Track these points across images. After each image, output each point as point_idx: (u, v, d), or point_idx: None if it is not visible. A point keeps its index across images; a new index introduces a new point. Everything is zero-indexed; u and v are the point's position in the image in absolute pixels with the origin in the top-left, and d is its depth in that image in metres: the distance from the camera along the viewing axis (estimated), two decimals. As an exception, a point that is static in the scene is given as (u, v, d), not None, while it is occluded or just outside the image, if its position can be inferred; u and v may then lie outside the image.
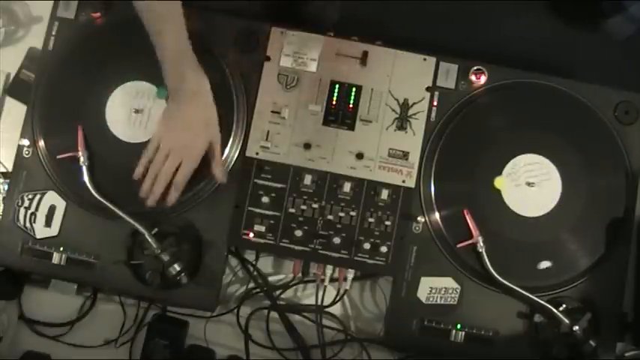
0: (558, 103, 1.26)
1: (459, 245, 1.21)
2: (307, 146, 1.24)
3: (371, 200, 1.23)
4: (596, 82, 1.27)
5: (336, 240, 1.22)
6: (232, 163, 1.24)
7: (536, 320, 1.20)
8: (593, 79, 1.27)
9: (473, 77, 1.26)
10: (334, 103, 1.26)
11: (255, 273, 1.27)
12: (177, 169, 1.17)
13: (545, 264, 1.20)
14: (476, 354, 1.21)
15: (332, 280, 1.24)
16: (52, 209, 1.22)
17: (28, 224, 1.22)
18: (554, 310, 1.18)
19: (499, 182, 1.21)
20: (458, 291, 1.21)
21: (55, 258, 1.22)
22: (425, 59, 1.27)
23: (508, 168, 1.23)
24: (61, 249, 1.22)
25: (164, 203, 1.17)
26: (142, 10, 1.12)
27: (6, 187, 1.25)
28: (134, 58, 1.25)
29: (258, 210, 1.23)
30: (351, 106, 1.26)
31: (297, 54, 1.26)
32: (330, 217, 1.23)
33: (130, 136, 1.23)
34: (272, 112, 1.25)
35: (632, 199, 1.25)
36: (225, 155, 1.23)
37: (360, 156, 1.24)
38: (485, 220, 1.21)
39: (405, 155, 1.25)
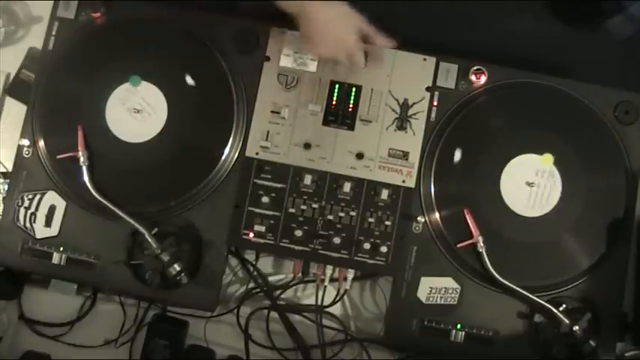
0: (558, 103, 1.26)
1: (459, 245, 1.21)
2: (307, 146, 1.24)
3: (371, 200, 1.23)
4: (596, 82, 1.27)
5: (336, 240, 1.22)
6: (232, 163, 1.24)
7: (536, 320, 1.20)
8: (593, 79, 1.27)
9: (473, 77, 1.26)
10: (334, 103, 1.26)
11: (255, 273, 1.27)
12: None
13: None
14: (476, 354, 1.21)
15: (332, 280, 1.24)
16: (52, 209, 1.23)
17: (28, 224, 1.22)
18: (554, 310, 1.18)
19: (546, 159, 1.22)
20: (458, 291, 1.21)
21: (55, 258, 1.22)
22: (425, 59, 1.27)
23: (508, 168, 1.23)
24: (61, 249, 1.22)
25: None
26: None
27: (6, 187, 1.25)
28: (134, 58, 1.25)
29: (258, 210, 1.23)
30: (351, 106, 1.26)
31: (297, 54, 1.26)
32: (330, 217, 1.23)
33: (130, 136, 1.23)
34: (272, 112, 1.25)
35: (632, 199, 1.25)
36: (225, 155, 1.23)
37: (360, 156, 1.24)
38: (485, 220, 1.21)
39: (405, 155, 1.25)
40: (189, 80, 1.25)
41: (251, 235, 1.22)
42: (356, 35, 1.19)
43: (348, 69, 1.24)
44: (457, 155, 1.24)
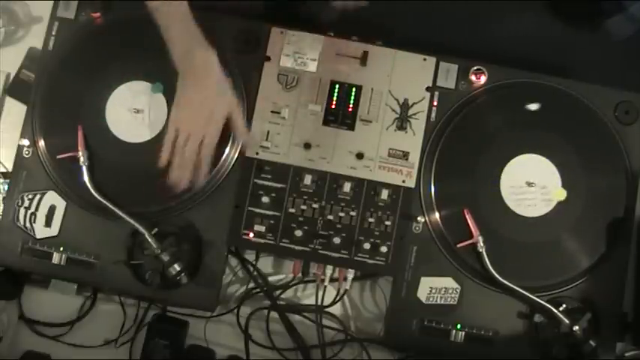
0: (558, 103, 1.26)
1: (459, 245, 1.21)
2: (307, 146, 1.24)
3: (371, 200, 1.23)
4: (596, 82, 1.27)
5: (336, 240, 1.22)
6: (232, 163, 1.24)
7: (536, 320, 1.20)
8: (593, 79, 1.27)
9: (473, 77, 1.26)
10: (334, 103, 1.26)
11: (255, 273, 1.27)
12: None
13: (534, 106, 1.20)
14: (476, 354, 1.21)
15: (332, 280, 1.24)
16: (52, 209, 1.23)
17: (28, 224, 1.22)
18: (554, 310, 1.18)
19: (559, 194, 1.22)
20: (458, 291, 1.21)
21: (55, 258, 1.22)
22: (425, 59, 1.27)
23: (508, 168, 1.23)
24: (61, 249, 1.22)
25: (196, 183, 1.16)
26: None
27: (6, 187, 1.25)
28: (134, 58, 1.25)
29: (258, 210, 1.23)
30: (351, 106, 1.26)
31: (297, 54, 1.26)
32: (330, 217, 1.23)
33: (130, 136, 1.23)
34: (272, 112, 1.25)
35: (632, 199, 1.25)
36: (225, 155, 1.23)
37: (360, 156, 1.24)
38: (485, 220, 1.21)
39: (405, 155, 1.25)
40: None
41: (251, 235, 1.22)
42: (223, 119, 1.15)
43: (348, 69, 1.23)
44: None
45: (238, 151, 1.23)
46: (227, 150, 1.23)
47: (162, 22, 1.14)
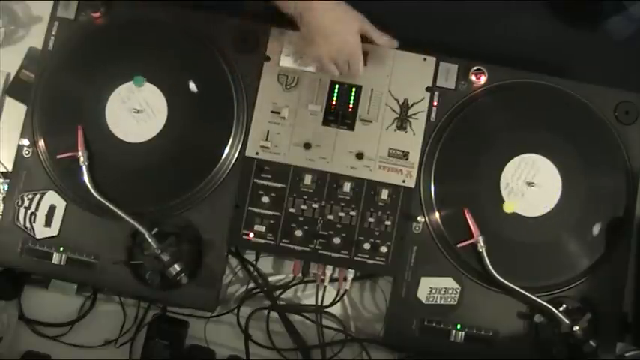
0: (558, 103, 1.26)
1: (459, 245, 1.21)
2: (307, 146, 1.24)
3: (371, 200, 1.23)
4: (596, 82, 1.27)
5: (336, 240, 1.22)
6: (232, 163, 1.24)
7: (536, 320, 1.20)
8: (593, 79, 1.27)
9: (473, 77, 1.26)
10: (334, 103, 1.26)
11: (255, 273, 1.27)
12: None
13: (597, 228, 1.21)
14: (476, 354, 1.21)
15: (332, 280, 1.24)
16: (52, 209, 1.23)
17: (28, 224, 1.22)
18: (554, 310, 1.18)
19: (509, 207, 1.22)
20: (458, 291, 1.21)
21: (55, 258, 1.22)
22: (425, 59, 1.27)
23: (508, 168, 1.23)
24: (61, 249, 1.22)
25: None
26: None
27: (6, 187, 1.25)
28: (134, 58, 1.25)
29: (258, 210, 1.23)
30: (351, 106, 1.26)
31: (297, 54, 1.26)
32: (330, 217, 1.23)
33: (130, 136, 1.23)
34: (272, 112, 1.25)
35: (632, 199, 1.25)
36: (224, 155, 1.23)
37: (360, 156, 1.24)
38: (485, 220, 1.21)
39: (405, 155, 1.25)
40: (190, 80, 1.24)
41: (251, 235, 1.22)
42: (358, 35, 1.18)
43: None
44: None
45: (239, 148, 1.23)
46: (227, 150, 1.23)
47: None
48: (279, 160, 1.24)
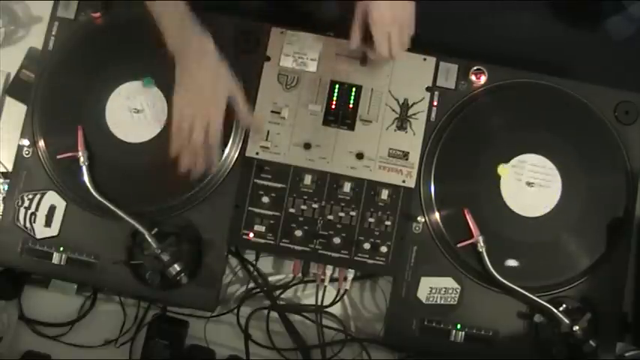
0: (558, 103, 1.26)
1: (459, 245, 1.21)
2: (307, 146, 1.24)
3: (371, 200, 1.23)
4: (596, 82, 1.27)
5: (336, 240, 1.22)
6: (232, 163, 1.24)
7: (536, 320, 1.20)
8: (593, 79, 1.27)
9: (473, 77, 1.26)
10: (334, 103, 1.26)
11: (255, 273, 1.27)
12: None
13: (512, 262, 1.20)
14: (476, 354, 1.21)
15: (332, 280, 1.24)
16: (52, 209, 1.23)
17: (28, 224, 1.22)
18: (554, 310, 1.18)
19: (503, 170, 1.21)
20: (458, 291, 1.21)
21: (55, 258, 1.22)
22: (425, 59, 1.27)
23: (506, 168, 1.23)
24: (61, 249, 1.22)
25: (209, 168, 1.17)
26: None
27: (6, 187, 1.25)
28: (134, 58, 1.25)
29: (258, 210, 1.23)
30: (351, 106, 1.26)
31: (297, 54, 1.26)
32: (330, 217, 1.23)
33: (130, 136, 1.23)
34: (272, 112, 1.25)
35: (632, 199, 1.25)
36: (224, 155, 1.23)
37: (360, 156, 1.24)
38: (485, 220, 1.21)
39: (405, 155, 1.25)
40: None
41: (251, 235, 1.22)
42: (225, 100, 1.15)
43: (347, 69, 1.23)
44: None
45: (239, 148, 1.23)
46: (227, 150, 1.23)
47: (156, 10, 1.14)
48: (279, 160, 1.24)
